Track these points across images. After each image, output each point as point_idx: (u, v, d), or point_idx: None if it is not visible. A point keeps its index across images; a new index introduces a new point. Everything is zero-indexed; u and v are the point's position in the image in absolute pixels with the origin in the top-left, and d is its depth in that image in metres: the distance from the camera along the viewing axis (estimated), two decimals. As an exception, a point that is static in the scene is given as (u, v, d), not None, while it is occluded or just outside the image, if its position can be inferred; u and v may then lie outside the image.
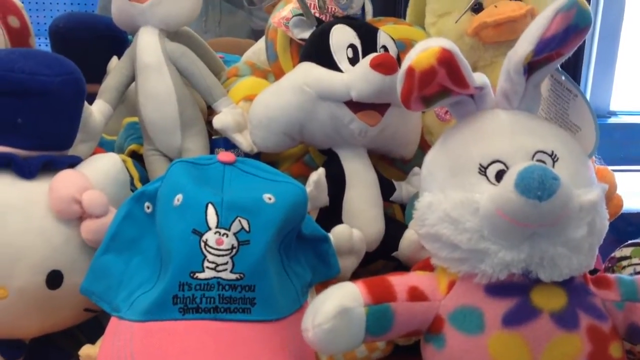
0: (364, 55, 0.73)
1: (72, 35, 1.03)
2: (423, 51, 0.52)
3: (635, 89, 2.16)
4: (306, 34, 0.79)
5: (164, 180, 0.60)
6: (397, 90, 0.55)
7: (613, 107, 2.14)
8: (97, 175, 0.68)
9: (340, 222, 0.73)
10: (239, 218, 0.55)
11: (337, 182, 0.74)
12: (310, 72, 0.73)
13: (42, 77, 0.65)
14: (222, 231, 0.55)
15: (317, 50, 0.75)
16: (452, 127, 0.59)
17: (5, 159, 0.65)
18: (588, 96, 2.12)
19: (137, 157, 0.89)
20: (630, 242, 0.77)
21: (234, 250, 0.55)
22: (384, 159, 0.84)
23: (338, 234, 0.69)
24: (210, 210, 0.56)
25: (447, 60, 0.52)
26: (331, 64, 0.73)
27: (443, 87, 0.55)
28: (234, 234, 0.55)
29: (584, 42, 1.05)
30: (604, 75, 2.10)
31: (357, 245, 0.70)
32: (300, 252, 0.63)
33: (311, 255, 0.65)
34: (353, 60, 0.73)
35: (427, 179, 0.58)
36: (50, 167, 0.67)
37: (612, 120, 2.12)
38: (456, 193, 0.53)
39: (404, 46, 0.83)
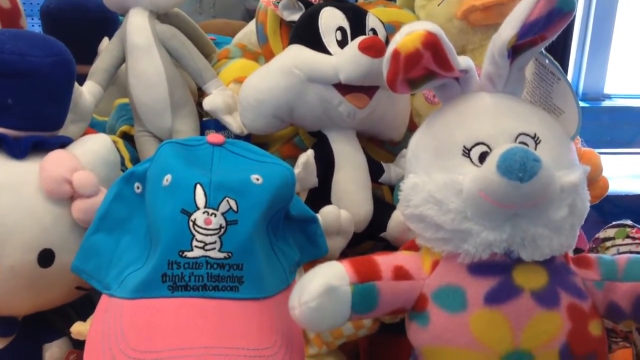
0: (352, 38, 0.73)
1: (63, 15, 1.03)
2: (408, 34, 0.53)
3: (629, 72, 2.16)
4: (295, 16, 0.79)
5: (153, 160, 0.61)
6: (384, 73, 0.56)
7: (607, 90, 2.14)
8: (88, 155, 0.69)
9: (329, 203, 0.73)
10: (227, 198, 0.56)
11: (326, 164, 0.75)
12: (299, 55, 0.73)
13: (33, 58, 0.66)
14: (211, 211, 0.56)
15: (306, 33, 0.76)
16: (437, 109, 0.59)
17: (-4, 138, 0.65)
18: (582, 79, 2.12)
19: (128, 138, 0.90)
20: (614, 223, 0.78)
21: (222, 230, 0.55)
22: (373, 141, 0.85)
23: (326, 214, 0.70)
24: (199, 190, 0.56)
25: (432, 44, 0.52)
26: (320, 47, 0.74)
27: (428, 70, 0.55)
28: (222, 213, 0.56)
29: (578, 25, 1.05)
30: (598, 59, 2.10)
31: (345, 225, 0.71)
32: (288, 232, 0.64)
33: (299, 236, 0.66)
34: (342, 43, 0.74)
35: (411, 161, 0.58)
36: (40, 147, 0.67)
37: (606, 103, 2.13)
38: (440, 174, 0.54)
39: (393, 29, 0.83)
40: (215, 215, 0.55)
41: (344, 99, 0.72)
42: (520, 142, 0.54)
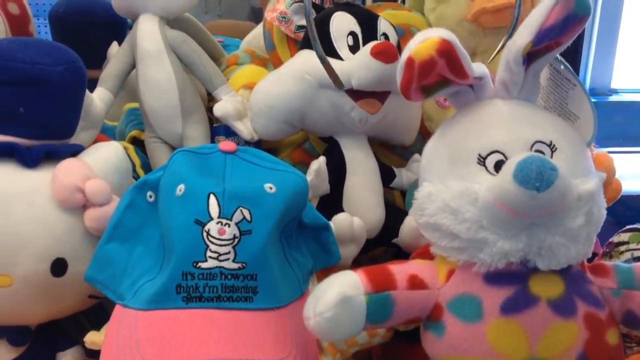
0: (364, 43, 0.73)
1: (71, 20, 1.03)
2: (422, 42, 0.53)
3: (636, 66, 2.16)
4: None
5: (166, 170, 0.61)
6: (397, 80, 0.55)
7: (614, 85, 2.13)
8: (100, 163, 0.69)
9: (341, 209, 0.73)
10: (240, 208, 0.56)
11: (337, 170, 0.75)
12: (310, 60, 0.73)
13: (44, 66, 0.66)
14: (224, 221, 0.56)
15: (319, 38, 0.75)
16: (451, 117, 0.59)
17: (8, 148, 0.65)
18: (589, 74, 2.11)
19: (139, 143, 0.90)
20: (628, 227, 0.77)
21: (236, 240, 0.55)
22: (384, 146, 0.85)
23: (339, 222, 0.70)
24: (212, 200, 0.56)
25: (446, 51, 0.52)
26: (331, 52, 0.73)
27: (442, 77, 0.55)
28: (236, 223, 0.56)
29: None
30: (605, 53, 2.10)
31: (358, 233, 0.71)
32: (301, 240, 0.64)
33: (312, 243, 0.65)
34: (353, 48, 0.73)
35: (426, 169, 0.58)
36: (52, 156, 0.67)
37: (613, 98, 2.12)
38: (455, 183, 0.53)
39: (402, 32, 0.83)
40: (229, 226, 0.55)
41: (355, 104, 0.72)
42: (536, 150, 0.53)
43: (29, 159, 0.66)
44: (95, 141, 0.80)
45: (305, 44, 0.77)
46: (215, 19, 1.54)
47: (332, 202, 0.74)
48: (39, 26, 0.95)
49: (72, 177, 0.65)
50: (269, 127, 0.75)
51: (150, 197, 0.62)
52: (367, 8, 0.84)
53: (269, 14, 0.84)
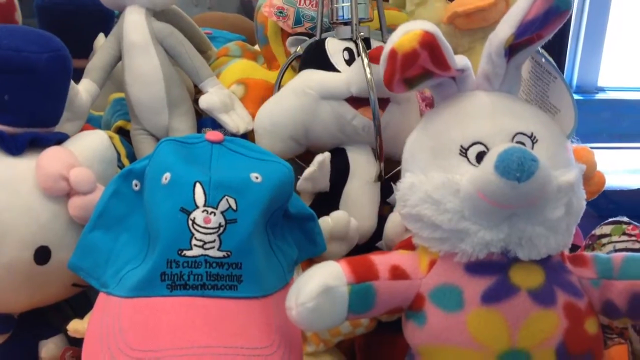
0: (357, 55, 0.74)
1: (59, 10, 1.02)
2: (405, 34, 0.53)
3: (623, 64, 2.17)
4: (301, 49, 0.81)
5: (152, 158, 0.61)
6: (380, 72, 0.56)
7: (601, 83, 2.14)
8: (84, 152, 0.69)
9: (335, 208, 0.73)
10: (226, 197, 0.56)
11: (340, 172, 0.75)
12: (310, 76, 0.75)
13: (29, 53, 0.65)
14: (210, 209, 0.56)
15: (313, 58, 0.77)
16: (434, 108, 0.59)
17: (-8, 135, 0.65)
18: (576, 72, 2.13)
19: (124, 133, 0.89)
20: (610, 219, 0.78)
21: (222, 229, 0.56)
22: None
23: (337, 218, 0.70)
24: (198, 188, 0.56)
25: (429, 43, 0.52)
26: (329, 67, 0.75)
27: (425, 69, 0.55)
28: (222, 212, 0.56)
29: (572, 18, 1.05)
30: (592, 51, 2.11)
31: (352, 233, 0.71)
32: (286, 230, 0.64)
33: (297, 233, 0.66)
34: (349, 62, 0.75)
35: (408, 160, 0.58)
36: (37, 143, 0.67)
37: (600, 95, 2.13)
38: (437, 174, 0.54)
39: (390, 31, 0.83)
40: (215, 214, 0.56)
41: (357, 112, 0.73)
42: (517, 142, 0.54)
43: (13, 147, 0.66)
44: (81, 131, 0.80)
45: (303, 66, 0.78)
46: (205, 11, 1.54)
47: (328, 203, 0.74)
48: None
49: (57, 165, 0.65)
50: (275, 146, 0.75)
51: (136, 185, 0.62)
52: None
53: (266, 9, 0.84)
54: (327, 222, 0.70)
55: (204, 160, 0.60)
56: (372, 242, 0.76)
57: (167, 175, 0.58)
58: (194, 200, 0.56)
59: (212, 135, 0.62)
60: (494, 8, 0.79)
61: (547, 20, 0.54)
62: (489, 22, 0.80)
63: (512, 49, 0.56)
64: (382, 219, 0.77)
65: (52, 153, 0.66)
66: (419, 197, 0.54)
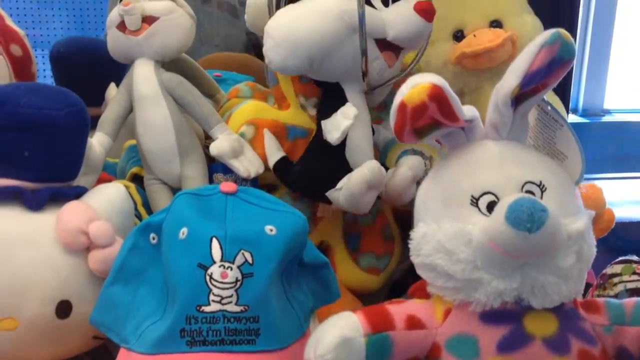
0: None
1: (72, 60, 1.05)
2: (414, 87, 0.54)
3: (629, 86, 2.18)
4: None
5: (169, 213, 0.62)
6: (390, 123, 0.57)
7: (607, 106, 2.15)
8: (103, 205, 0.70)
9: (343, 156, 0.75)
10: (242, 251, 0.57)
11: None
12: (348, 2, 0.71)
13: (48, 111, 0.67)
14: (227, 264, 0.57)
15: None
16: (444, 159, 0.61)
17: (13, 192, 0.66)
18: (581, 95, 2.13)
19: (139, 180, 0.91)
20: (620, 259, 0.79)
21: (238, 283, 0.57)
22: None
23: (372, 167, 0.72)
24: (215, 244, 0.57)
25: (437, 96, 0.54)
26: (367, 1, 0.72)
27: (434, 120, 0.57)
28: (238, 266, 0.57)
29: (576, 41, 1.06)
30: (597, 74, 2.12)
31: (382, 180, 0.74)
32: (301, 279, 0.65)
33: (312, 281, 0.66)
34: (384, 2, 0.73)
35: (420, 210, 0.59)
36: (57, 198, 0.68)
37: (607, 118, 2.14)
38: (449, 224, 0.55)
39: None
40: (232, 269, 0.57)
41: (380, 54, 0.73)
42: (526, 191, 0.55)
43: (34, 203, 0.67)
44: (98, 179, 0.82)
45: None
46: (213, 49, 1.56)
47: (334, 149, 0.75)
48: (37, 56, 0.96)
49: (76, 219, 0.66)
50: (288, 60, 0.72)
51: (154, 239, 0.63)
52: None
53: None
54: (364, 173, 0.72)
55: (219, 212, 0.61)
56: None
57: (184, 230, 0.59)
58: (211, 255, 0.57)
59: (226, 186, 0.64)
60: (501, 49, 0.81)
61: (551, 70, 0.55)
62: (496, 63, 0.82)
63: (518, 99, 0.57)
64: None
65: (71, 208, 0.67)
66: (432, 246, 0.55)
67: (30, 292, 0.64)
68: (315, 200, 0.83)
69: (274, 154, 0.83)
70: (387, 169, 0.79)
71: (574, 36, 1.29)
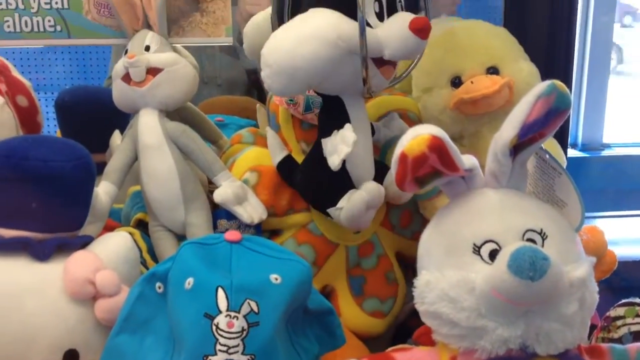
0: (387, 10, 0.74)
1: (77, 108, 1.07)
2: (414, 138, 0.56)
3: (628, 120, 2.20)
4: None
5: (174, 263, 0.63)
6: (392, 173, 0.58)
7: (606, 140, 2.17)
8: (109, 255, 0.71)
9: (343, 168, 0.75)
10: (248, 300, 0.58)
11: (343, 123, 0.75)
12: (341, 25, 0.71)
13: (55, 163, 0.68)
14: (233, 314, 0.57)
15: (344, 1, 0.72)
16: (445, 206, 0.62)
17: (21, 242, 0.67)
18: (580, 130, 2.15)
19: (144, 225, 0.92)
20: (623, 301, 0.79)
21: (245, 332, 0.57)
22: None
23: (371, 190, 0.75)
24: (221, 293, 0.58)
25: (437, 147, 0.55)
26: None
27: (435, 169, 0.58)
28: (244, 316, 0.57)
29: (574, 76, 1.08)
30: (595, 108, 2.14)
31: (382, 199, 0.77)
32: (306, 326, 0.65)
33: (317, 328, 0.67)
34: (379, 16, 0.73)
35: (423, 257, 0.60)
36: (63, 248, 0.69)
37: (606, 152, 2.15)
38: (452, 272, 0.56)
39: (400, 117, 0.87)
40: (238, 318, 0.57)
41: (378, 71, 0.74)
42: (527, 239, 0.56)
43: (41, 253, 0.68)
44: (104, 225, 0.83)
45: (326, 2, 0.73)
46: (215, 88, 1.58)
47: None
48: (39, 99, 0.98)
49: (83, 269, 0.67)
50: (287, 87, 0.73)
51: (159, 288, 0.64)
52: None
53: (277, 98, 0.87)
54: (363, 196, 0.74)
55: (224, 261, 0.62)
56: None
57: (190, 280, 0.60)
58: (217, 305, 0.58)
59: (231, 235, 0.64)
60: (498, 95, 0.83)
61: (548, 121, 0.57)
62: (493, 108, 0.84)
63: (517, 148, 0.59)
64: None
65: (78, 258, 0.68)
66: (436, 294, 0.56)
67: (38, 341, 0.64)
68: (316, 209, 0.84)
69: (278, 153, 0.85)
70: (386, 166, 0.79)
71: (571, 73, 1.31)
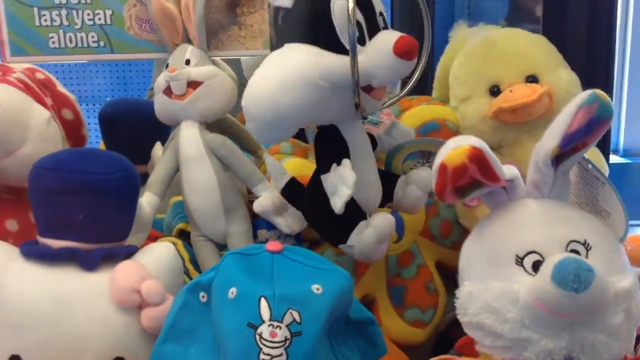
0: (368, 31, 0.68)
1: (120, 121, 1.10)
2: (454, 149, 0.56)
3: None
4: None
5: (218, 272, 0.64)
6: (432, 183, 0.59)
7: (649, 146, 2.12)
8: (154, 264, 0.72)
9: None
10: (290, 310, 0.59)
11: (341, 153, 0.71)
12: (321, 63, 0.66)
13: (101, 175, 0.70)
14: (276, 324, 0.58)
15: (319, 32, 0.68)
16: (486, 217, 0.62)
17: (69, 253, 0.69)
18: (621, 135, 2.11)
19: (185, 235, 0.94)
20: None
21: (287, 342, 0.58)
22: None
23: (379, 225, 0.71)
24: (263, 303, 0.59)
25: (477, 157, 0.55)
26: (338, 47, 0.67)
27: (475, 180, 0.58)
28: (287, 325, 0.58)
29: (614, 80, 1.06)
30: (637, 114, 2.10)
31: (392, 230, 0.73)
32: (348, 335, 0.66)
33: (358, 337, 0.67)
34: (359, 40, 0.67)
35: (465, 268, 0.60)
36: (110, 258, 0.71)
37: (649, 159, 2.10)
38: (495, 283, 0.56)
39: (439, 126, 0.87)
40: (280, 328, 0.58)
41: (369, 96, 0.70)
42: (571, 250, 0.56)
43: (89, 263, 0.70)
44: (148, 235, 0.85)
45: (304, 37, 0.68)
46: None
47: None
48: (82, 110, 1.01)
49: (129, 279, 0.68)
50: (279, 137, 0.72)
51: (203, 297, 0.65)
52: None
53: None
54: (371, 234, 0.71)
55: (266, 271, 0.63)
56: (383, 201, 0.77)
57: (233, 290, 0.61)
58: (260, 314, 0.58)
59: (272, 245, 0.65)
60: (537, 104, 0.82)
61: (590, 130, 0.56)
62: (533, 117, 0.84)
63: (559, 158, 0.58)
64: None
65: (124, 268, 0.70)
66: (479, 305, 0.56)
67: (87, 350, 0.66)
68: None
69: (279, 178, 0.82)
70: (393, 175, 0.77)
71: (611, 80, 1.29)
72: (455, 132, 0.88)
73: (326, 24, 0.67)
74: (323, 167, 0.73)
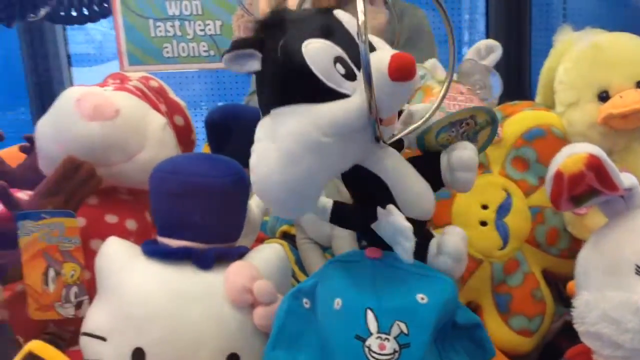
0: (354, 62, 0.59)
1: (226, 125, 1.14)
2: (570, 156, 0.56)
3: None
4: (254, 64, 0.63)
5: (321, 280, 0.65)
6: (547, 192, 0.58)
7: None
8: (264, 264, 0.75)
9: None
10: (397, 322, 0.59)
11: (378, 191, 0.65)
12: (317, 118, 0.58)
13: (216, 178, 0.74)
14: (384, 336, 0.59)
15: (301, 87, 0.59)
16: (604, 226, 0.61)
17: (186, 252, 0.73)
18: None
19: (288, 237, 0.97)
20: None
21: (396, 354, 0.58)
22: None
23: (451, 249, 0.66)
24: (370, 315, 0.60)
25: (595, 166, 0.55)
26: (330, 94, 0.58)
27: (592, 187, 0.57)
28: (395, 338, 0.59)
29: None
30: None
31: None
32: (455, 340, 0.66)
33: (466, 342, 0.67)
34: (348, 75, 0.59)
35: (581, 277, 0.60)
36: (223, 258, 0.74)
37: None
38: (614, 293, 0.55)
39: (544, 132, 0.86)
40: (389, 340, 0.58)
41: (381, 125, 0.60)
42: (694, 261, 0.54)
43: (204, 262, 0.73)
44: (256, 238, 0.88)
45: (285, 100, 0.60)
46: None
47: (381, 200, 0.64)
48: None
49: (242, 278, 0.71)
50: (304, 209, 0.67)
51: (306, 303, 0.66)
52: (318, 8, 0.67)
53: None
54: (446, 262, 0.66)
55: (368, 279, 0.63)
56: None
57: (339, 301, 0.61)
58: (367, 327, 0.59)
59: (372, 252, 0.66)
60: None
61: None
62: None
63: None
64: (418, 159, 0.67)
65: (237, 268, 0.73)
66: (597, 315, 0.55)
67: (205, 346, 0.69)
68: None
69: (320, 210, 0.71)
70: (433, 154, 0.67)
71: None
72: (562, 138, 0.86)
73: (305, 73, 0.58)
74: (368, 216, 0.65)
